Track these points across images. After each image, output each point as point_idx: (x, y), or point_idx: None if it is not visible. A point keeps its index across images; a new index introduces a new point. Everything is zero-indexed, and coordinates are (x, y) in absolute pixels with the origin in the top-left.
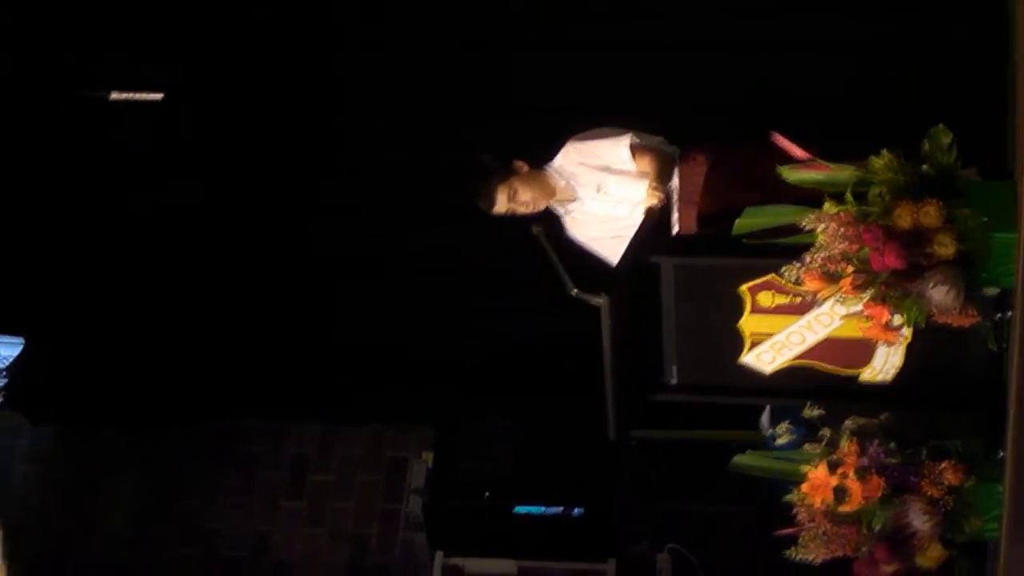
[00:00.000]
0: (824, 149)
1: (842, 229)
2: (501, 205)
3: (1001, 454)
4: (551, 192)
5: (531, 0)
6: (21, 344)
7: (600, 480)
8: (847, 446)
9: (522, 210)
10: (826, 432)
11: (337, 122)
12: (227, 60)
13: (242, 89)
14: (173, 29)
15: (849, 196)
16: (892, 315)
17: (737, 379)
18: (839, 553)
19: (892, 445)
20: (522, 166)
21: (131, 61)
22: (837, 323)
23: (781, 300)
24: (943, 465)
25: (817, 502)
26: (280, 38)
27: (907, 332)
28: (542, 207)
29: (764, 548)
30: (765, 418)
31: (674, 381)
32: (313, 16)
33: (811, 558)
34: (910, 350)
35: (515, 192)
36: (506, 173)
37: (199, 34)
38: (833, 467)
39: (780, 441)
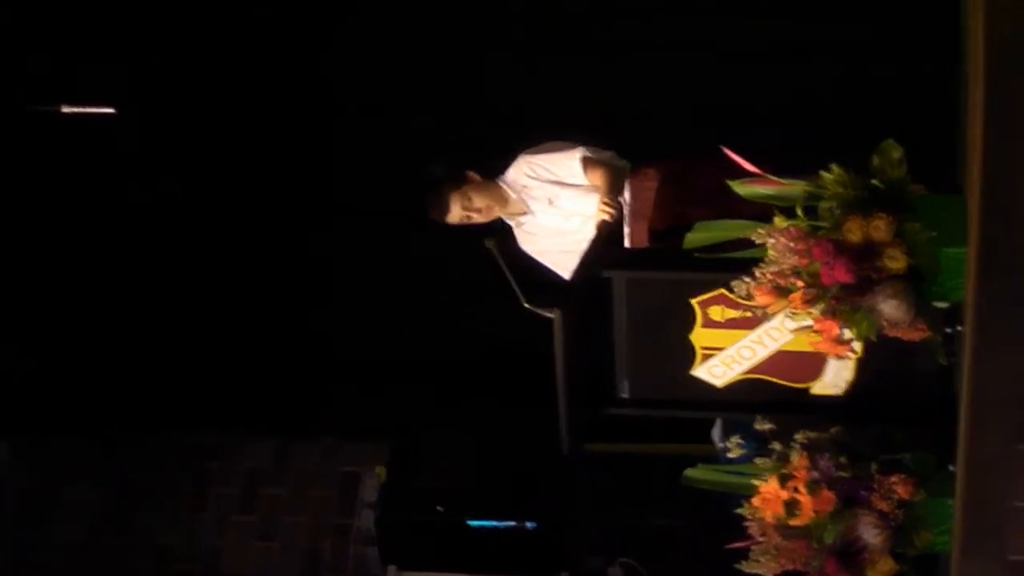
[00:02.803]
0: (774, 163)
1: (792, 244)
2: (455, 214)
3: (952, 468)
4: (503, 202)
5: (492, 12)
6: None
7: (553, 494)
8: (798, 460)
9: (476, 217)
10: (777, 446)
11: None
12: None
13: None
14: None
15: (799, 211)
16: (842, 329)
17: (689, 393)
18: (790, 567)
19: (843, 459)
20: (474, 176)
21: (87, 71)
22: (788, 337)
23: (732, 314)
24: (894, 479)
25: (768, 516)
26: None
27: (857, 346)
28: (496, 215)
29: (716, 562)
30: (717, 432)
31: (626, 395)
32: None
33: (762, 572)
34: (860, 364)
35: (469, 200)
36: (459, 182)
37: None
38: (784, 481)
39: (732, 455)
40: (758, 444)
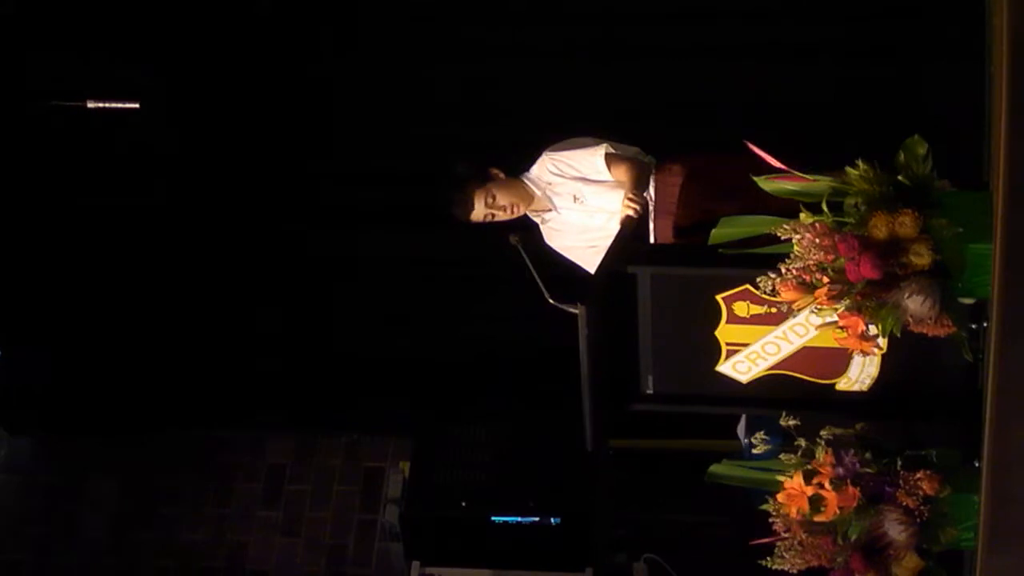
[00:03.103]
0: (800, 159)
1: (817, 239)
2: (479, 212)
3: (977, 464)
4: (528, 199)
5: (516, 7)
6: None
7: (577, 489)
8: (823, 456)
9: (500, 215)
10: (802, 442)
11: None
12: (220, 65)
13: (231, 93)
14: (159, 33)
15: (825, 206)
16: (868, 325)
17: (713, 389)
18: (815, 563)
19: (868, 455)
20: (498, 173)
21: (111, 67)
22: (813, 333)
23: (757, 310)
24: (919, 475)
25: (793, 512)
26: (268, 41)
27: (883, 342)
28: (520, 213)
29: (740, 558)
30: (741, 428)
31: (650, 390)
32: (301, 20)
33: (787, 568)
34: (886, 360)
35: (493, 198)
36: (483, 180)
37: (190, 38)
38: (809, 477)
39: (756, 451)
40: (783, 440)
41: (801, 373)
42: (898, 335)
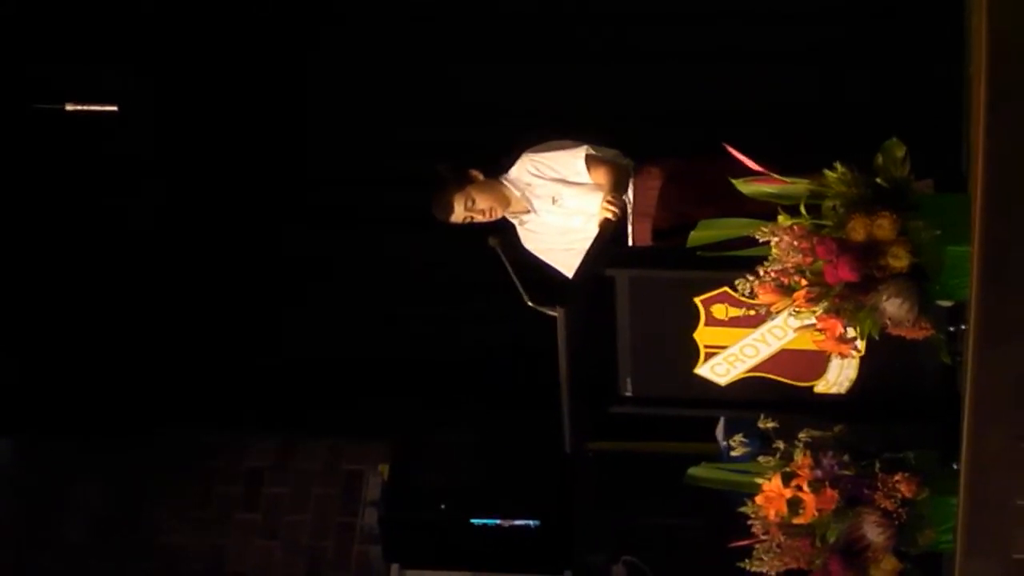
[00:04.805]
0: (779, 162)
1: (796, 242)
2: (458, 214)
3: (955, 466)
4: (507, 202)
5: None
6: None
7: (556, 492)
8: (801, 458)
9: (479, 219)
10: (780, 444)
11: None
12: (192, 65)
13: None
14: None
15: (803, 209)
16: (846, 328)
17: (692, 391)
18: (793, 566)
19: (846, 457)
20: (478, 175)
21: (91, 69)
22: (791, 335)
23: (735, 312)
24: (897, 477)
25: (771, 514)
26: (250, 41)
27: (861, 345)
28: (498, 216)
29: (719, 560)
30: (720, 430)
31: (629, 393)
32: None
33: (765, 570)
34: (864, 362)
35: (472, 201)
36: (462, 182)
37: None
38: (787, 479)
39: (735, 453)
40: (761, 442)
41: (779, 375)
42: (876, 338)
